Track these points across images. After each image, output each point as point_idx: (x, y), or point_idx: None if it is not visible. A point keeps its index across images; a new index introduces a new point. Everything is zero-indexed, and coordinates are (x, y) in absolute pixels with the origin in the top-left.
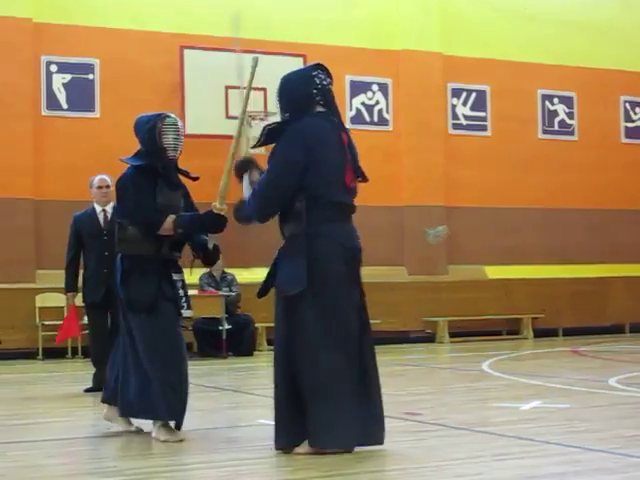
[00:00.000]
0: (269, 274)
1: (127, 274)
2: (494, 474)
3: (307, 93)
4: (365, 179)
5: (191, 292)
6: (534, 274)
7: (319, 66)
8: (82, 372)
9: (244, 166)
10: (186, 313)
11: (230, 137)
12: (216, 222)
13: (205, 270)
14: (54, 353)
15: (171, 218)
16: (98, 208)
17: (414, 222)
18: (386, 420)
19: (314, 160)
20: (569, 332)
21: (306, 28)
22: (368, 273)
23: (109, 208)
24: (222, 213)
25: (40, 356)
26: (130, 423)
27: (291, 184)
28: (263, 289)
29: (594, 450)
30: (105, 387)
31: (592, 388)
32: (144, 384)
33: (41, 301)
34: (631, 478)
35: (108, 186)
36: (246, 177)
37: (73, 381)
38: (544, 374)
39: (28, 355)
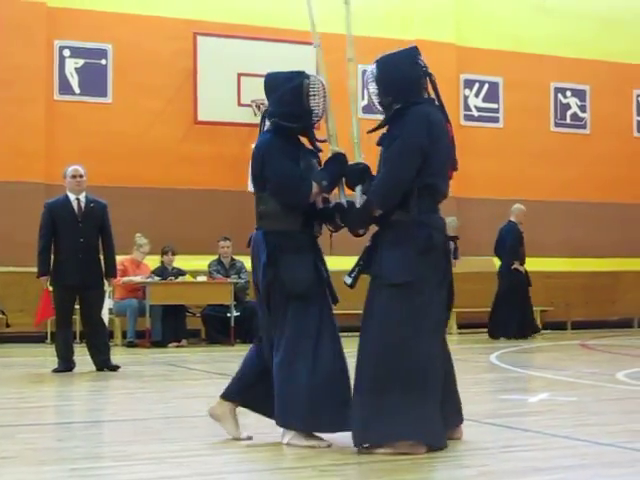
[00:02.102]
0: (364, 260)
1: (277, 253)
2: (500, 466)
3: (415, 76)
4: (456, 168)
5: (200, 279)
6: (544, 267)
7: (417, 49)
8: (89, 356)
9: (361, 176)
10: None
11: (242, 124)
12: (344, 159)
13: (214, 257)
14: None
15: (313, 180)
16: (72, 196)
17: None
18: None
19: (434, 148)
20: (578, 325)
21: (319, 16)
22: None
23: (82, 197)
24: (341, 151)
25: (49, 340)
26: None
27: (416, 169)
28: (356, 276)
29: (602, 444)
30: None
31: (600, 382)
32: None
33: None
34: (638, 472)
35: (82, 176)
36: (359, 188)
37: (82, 365)
38: (553, 367)
39: (37, 339)
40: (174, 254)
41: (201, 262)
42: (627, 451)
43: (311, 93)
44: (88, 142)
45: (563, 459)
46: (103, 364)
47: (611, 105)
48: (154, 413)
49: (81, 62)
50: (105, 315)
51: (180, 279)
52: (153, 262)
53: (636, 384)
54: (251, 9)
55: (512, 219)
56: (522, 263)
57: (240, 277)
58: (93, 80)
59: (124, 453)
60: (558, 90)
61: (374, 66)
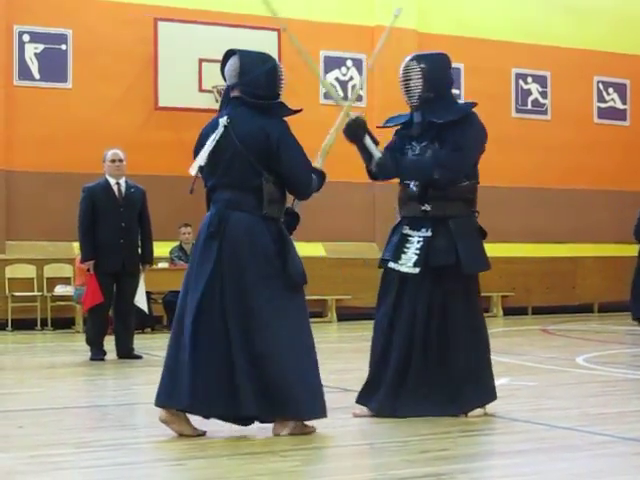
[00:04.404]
0: (420, 250)
1: (283, 242)
2: (460, 450)
3: (452, 79)
4: None
5: (161, 265)
6: (505, 253)
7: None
8: (52, 343)
9: (363, 126)
10: None
11: (203, 110)
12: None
13: (175, 244)
14: (24, 324)
15: None
16: (112, 181)
17: (385, 199)
18: (354, 395)
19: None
20: (538, 311)
21: (281, 2)
22: (341, 249)
23: (122, 182)
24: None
25: (10, 327)
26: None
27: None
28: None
29: (560, 427)
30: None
31: (560, 366)
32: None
33: (11, 272)
34: (596, 456)
35: (121, 160)
36: (367, 137)
37: (43, 352)
38: (513, 352)
39: None
40: None
41: (162, 249)
42: (585, 435)
43: (280, 76)
44: (48, 128)
45: (522, 443)
46: (126, 353)
47: (572, 91)
48: (115, 400)
49: (41, 47)
50: (144, 302)
51: None
52: None
53: (595, 369)
54: None
55: None
56: None
57: None
58: (53, 65)
59: (84, 440)
60: (519, 76)
61: (420, 61)
